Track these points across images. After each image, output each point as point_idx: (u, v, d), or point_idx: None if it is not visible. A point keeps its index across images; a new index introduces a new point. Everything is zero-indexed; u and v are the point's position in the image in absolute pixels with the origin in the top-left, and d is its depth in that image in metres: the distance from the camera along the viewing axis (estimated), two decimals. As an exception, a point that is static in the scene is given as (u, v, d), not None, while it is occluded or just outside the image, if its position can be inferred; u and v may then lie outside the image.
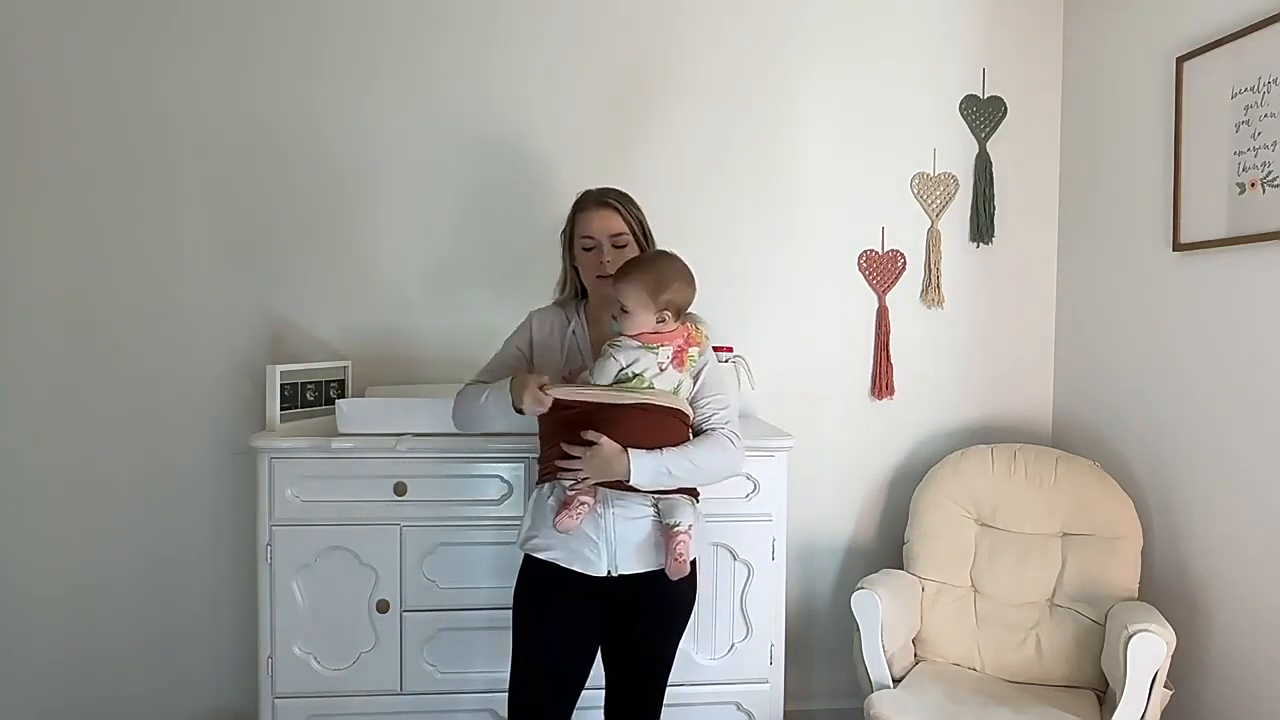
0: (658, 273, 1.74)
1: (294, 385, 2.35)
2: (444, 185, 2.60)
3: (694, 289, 1.79)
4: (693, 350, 1.79)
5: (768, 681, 2.29)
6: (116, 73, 2.49)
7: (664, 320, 1.74)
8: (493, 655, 2.13)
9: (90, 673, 2.54)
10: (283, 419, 2.30)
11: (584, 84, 2.63)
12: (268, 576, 2.17)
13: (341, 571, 2.18)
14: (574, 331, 1.94)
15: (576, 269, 1.94)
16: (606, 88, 2.64)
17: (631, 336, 1.75)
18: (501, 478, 2.20)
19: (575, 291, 1.99)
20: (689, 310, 1.85)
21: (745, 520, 2.27)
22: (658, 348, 1.74)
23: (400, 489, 2.19)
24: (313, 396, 2.40)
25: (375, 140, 2.57)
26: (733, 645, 2.28)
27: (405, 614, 2.20)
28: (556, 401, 1.71)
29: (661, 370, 1.75)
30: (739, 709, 2.29)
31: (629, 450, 1.70)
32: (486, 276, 2.60)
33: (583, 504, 1.72)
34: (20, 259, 2.47)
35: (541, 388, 1.70)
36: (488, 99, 2.60)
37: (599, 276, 1.86)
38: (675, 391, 1.79)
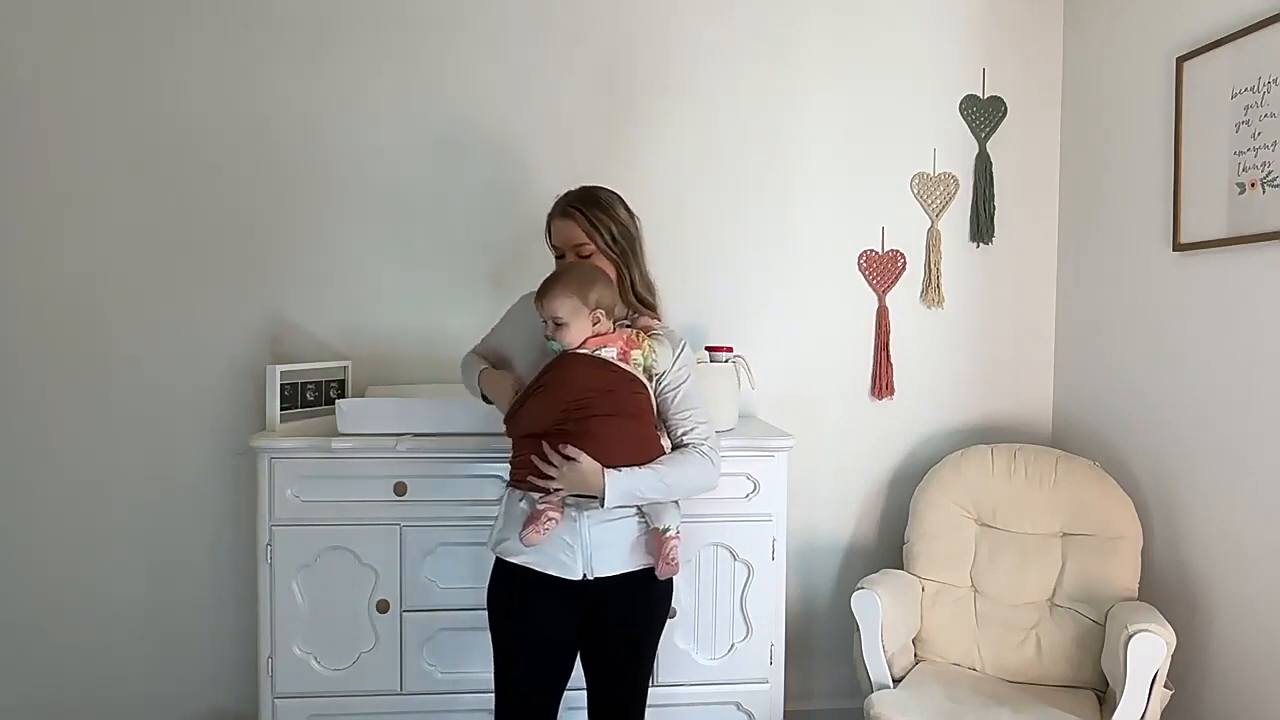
0: (577, 278, 1.73)
1: (294, 385, 2.35)
2: (445, 186, 2.60)
3: (614, 290, 1.78)
4: (635, 353, 1.76)
5: (768, 681, 2.29)
6: (117, 74, 2.49)
7: (598, 321, 1.73)
8: (492, 655, 2.13)
9: (90, 673, 2.54)
10: (283, 419, 2.30)
11: (582, 85, 2.63)
12: (268, 576, 2.17)
13: (341, 571, 2.18)
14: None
15: None
16: (605, 88, 2.64)
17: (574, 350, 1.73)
18: (501, 478, 2.19)
19: None
20: (658, 324, 1.86)
21: (745, 520, 2.27)
22: (599, 351, 1.73)
23: (400, 489, 2.19)
24: (313, 396, 2.40)
25: (376, 141, 2.57)
26: (733, 645, 2.28)
27: (405, 614, 2.20)
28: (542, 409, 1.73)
29: (613, 359, 1.74)
30: (739, 709, 2.29)
31: (606, 471, 1.68)
32: (487, 276, 2.60)
33: (550, 519, 1.71)
34: (20, 260, 2.48)
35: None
36: (487, 100, 2.60)
37: None
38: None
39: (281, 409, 2.30)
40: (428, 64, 2.58)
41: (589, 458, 1.68)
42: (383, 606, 2.19)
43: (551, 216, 1.88)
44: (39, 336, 2.49)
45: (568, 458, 1.68)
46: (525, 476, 1.74)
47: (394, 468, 2.18)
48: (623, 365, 1.74)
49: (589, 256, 1.82)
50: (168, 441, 2.54)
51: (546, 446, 1.69)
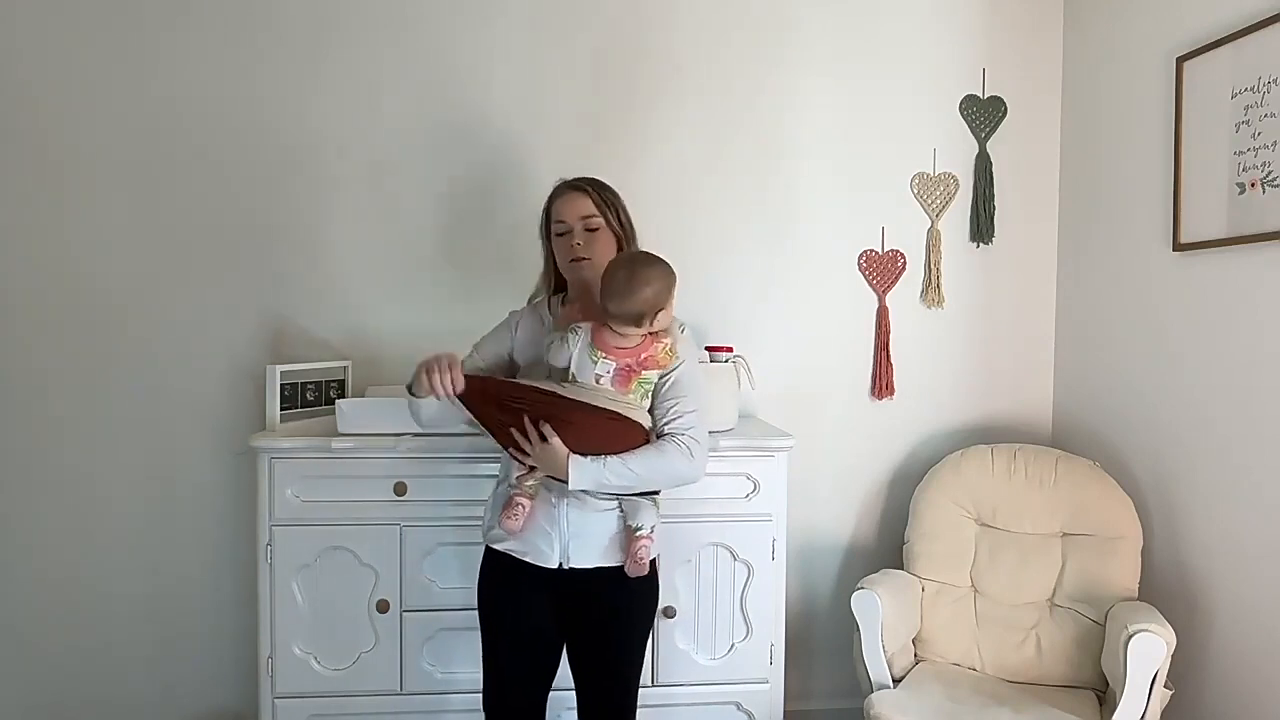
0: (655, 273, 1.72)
1: (294, 385, 2.35)
2: (445, 185, 2.60)
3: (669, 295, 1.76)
4: (649, 373, 1.75)
5: (768, 681, 2.29)
6: (117, 74, 2.49)
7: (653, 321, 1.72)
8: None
9: (90, 673, 2.54)
10: (283, 419, 2.30)
11: (582, 85, 2.63)
12: (268, 576, 2.17)
13: (341, 571, 2.18)
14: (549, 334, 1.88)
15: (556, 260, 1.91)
16: (605, 89, 2.64)
17: (589, 335, 1.73)
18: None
19: (551, 286, 1.97)
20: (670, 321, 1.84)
21: (745, 520, 2.27)
22: (600, 356, 1.72)
23: (400, 489, 2.19)
24: (313, 396, 2.40)
25: (376, 140, 2.57)
26: (733, 645, 2.28)
27: (405, 614, 2.20)
28: (507, 394, 1.72)
29: (609, 374, 1.73)
30: (739, 709, 2.29)
31: (570, 457, 1.68)
32: (487, 275, 2.60)
33: (519, 504, 1.74)
34: (20, 259, 2.48)
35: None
36: (489, 101, 2.60)
37: (572, 260, 1.84)
38: (628, 398, 1.75)
39: (281, 409, 2.30)
40: (429, 65, 2.58)
41: (559, 441, 1.69)
42: (383, 606, 2.19)
43: (555, 195, 1.88)
44: (38, 336, 2.49)
45: (543, 437, 1.69)
46: (510, 443, 1.73)
47: (394, 468, 2.18)
48: (620, 401, 1.72)
49: (596, 230, 1.83)
50: (168, 441, 2.54)
51: (527, 422, 1.69)
